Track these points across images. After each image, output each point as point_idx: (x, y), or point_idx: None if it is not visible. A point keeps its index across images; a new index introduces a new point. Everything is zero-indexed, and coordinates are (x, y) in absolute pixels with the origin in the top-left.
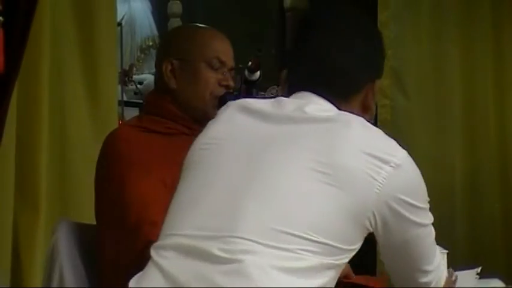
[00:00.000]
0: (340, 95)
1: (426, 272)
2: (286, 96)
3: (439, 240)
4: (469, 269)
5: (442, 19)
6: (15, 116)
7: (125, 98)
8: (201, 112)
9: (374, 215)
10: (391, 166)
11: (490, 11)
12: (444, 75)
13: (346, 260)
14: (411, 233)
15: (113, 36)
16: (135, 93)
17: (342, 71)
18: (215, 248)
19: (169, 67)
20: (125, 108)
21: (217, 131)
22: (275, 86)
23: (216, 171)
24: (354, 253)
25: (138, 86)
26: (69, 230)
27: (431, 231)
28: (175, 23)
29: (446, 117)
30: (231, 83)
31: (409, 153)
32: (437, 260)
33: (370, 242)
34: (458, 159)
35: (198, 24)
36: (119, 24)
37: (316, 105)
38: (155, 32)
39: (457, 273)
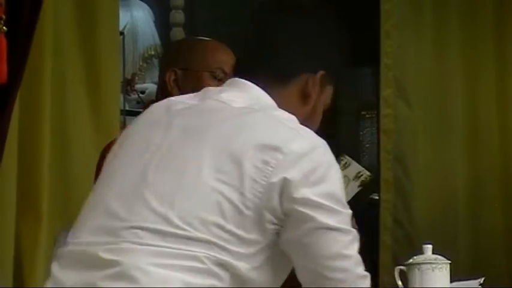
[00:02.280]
0: (278, 77)
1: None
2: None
3: (442, 250)
4: (472, 279)
5: (444, 29)
6: (17, 124)
7: (127, 107)
8: None
9: (270, 210)
10: (283, 153)
11: (492, 21)
12: (447, 84)
13: (245, 263)
14: (309, 231)
15: (115, 45)
16: (138, 103)
17: (282, 52)
18: (101, 251)
19: (173, 77)
20: (127, 117)
21: (128, 131)
22: None
23: (116, 171)
24: (252, 249)
25: (140, 95)
26: None
27: (341, 239)
28: (177, 32)
29: (448, 126)
30: None
31: (412, 161)
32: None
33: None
34: (461, 168)
35: (200, 36)
36: (121, 33)
37: (233, 95)
38: (157, 41)
39: (460, 283)
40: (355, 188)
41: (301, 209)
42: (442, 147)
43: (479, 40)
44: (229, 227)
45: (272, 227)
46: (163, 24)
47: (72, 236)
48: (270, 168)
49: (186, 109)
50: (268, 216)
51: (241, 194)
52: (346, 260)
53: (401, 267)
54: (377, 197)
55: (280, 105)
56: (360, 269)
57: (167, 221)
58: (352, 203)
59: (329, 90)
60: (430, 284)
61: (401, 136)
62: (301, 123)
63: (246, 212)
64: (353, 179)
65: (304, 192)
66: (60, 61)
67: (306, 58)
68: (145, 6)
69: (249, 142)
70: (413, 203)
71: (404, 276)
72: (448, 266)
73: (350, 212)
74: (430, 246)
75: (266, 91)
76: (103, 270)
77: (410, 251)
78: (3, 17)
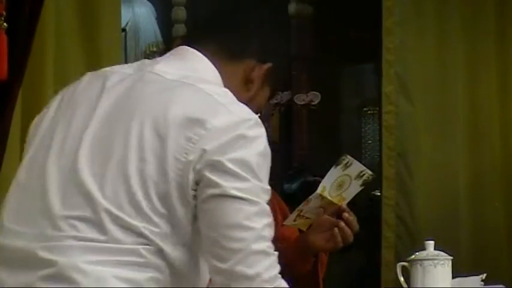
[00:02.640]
0: (227, 52)
1: (217, 268)
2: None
3: (444, 247)
4: (473, 275)
5: (446, 25)
6: (19, 123)
7: None
8: None
9: (192, 185)
10: (206, 129)
11: (494, 17)
12: (448, 81)
13: (173, 242)
14: (212, 198)
15: (118, 42)
16: None
17: (237, 30)
18: (38, 249)
19: None
20: None
21: (60, 103)
22: (279, 92)
23: (47, 149)
24: (180, 228)
25: None
26: None
27: (245, 209)
28: (179, 29)
29: (450, 123)
30: None
31: (414, 158)
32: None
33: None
34: (463, 165)
35: None
36: (123, 30)
37: (169, 65)
38: (159, 38)
39: (461, 279)
40: (357, 187)
41: (209, 174)
42: (444, 144)
43: (481, 37)
44: (157, 207)
45: (194, 201)
46: (165, 21)
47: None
48: (191, 145)
49: (120, 82)
50: (190, 192)
51: (165, 173)
52: (245, 232)
53: (404, 263)
54: (379, 194)
55: (224, 81)
56: (260, 245)
57: (100, 207)
58: (354, 199)
59: (267, 91)
60: (432, 279)
61: (403, 133)
62: None
63: (171, 191)
64: (355, 178)
65: (217, 157)
66: (62, 58)
67: (258, 45)
68: (147, 3)
69: (174, 118)
70: (415, 200)
71: (406, 272)
72: (450, 262)
73: (263, 185)
74: (432, 243)
75: (213, 63)
76: (40, 270)
77: (413, 248)
78: (4, 13)
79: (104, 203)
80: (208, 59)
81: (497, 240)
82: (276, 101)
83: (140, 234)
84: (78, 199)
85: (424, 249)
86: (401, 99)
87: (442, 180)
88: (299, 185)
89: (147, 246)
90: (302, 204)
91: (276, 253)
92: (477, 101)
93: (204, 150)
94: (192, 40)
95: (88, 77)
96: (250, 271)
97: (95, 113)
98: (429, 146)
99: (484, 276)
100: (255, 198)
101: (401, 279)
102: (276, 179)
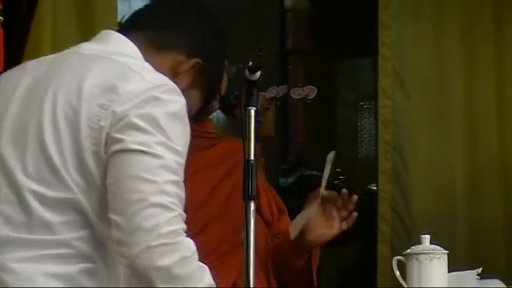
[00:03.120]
0: (155, 42)
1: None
2: None
3: (441, 241)
4: (469, 269)
5: (443, 20)
6: None
7: None
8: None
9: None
10: (118, 94)
11: (492, 11)
12: (445, 75)
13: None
14: (116, 153)
15: None
16: None
17: (168, 23)
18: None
19: None
20: None
21: None
22: (275, 86)
23: None
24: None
25: None
26: None
27: (146, 161)
28: None
29: (447, 118)
30: None
31: (410, 152)
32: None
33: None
34: (459, 159)
35: None
36: (119, 23)
37: (91, 45)
38: None
39: (457, 273)
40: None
41: (115, 133)
42: (441, 138)
43: (479, 31)
44: (74, 176)
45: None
46: None
47: None
48: (103, 111)
49: (39, 63)
50: (104, 156)
51: (79, 143)
52: (144, 184)
53: (399, 257)
54: (375, 188)
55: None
56: (160, 199)
57: (23, 188)
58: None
59: (196, 94)
60: (428, 273)
61: (399, 127)
62: None
63: (88, 159)
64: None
65: (125, 115)
66: (58, 52)
67: (190, 42)
68: None
69: (87, 88)
70: (411, 194)
71: (402, 266)
72: (446, 256)
73: (171, 144)
74: (427, 237)
75: (141, 51)
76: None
77: (409, 242)
78: (1, 7)
79: (27, 183)
80: (136, 46)
81: (494, 235)
82: (272, 95)
83: (65, 206)
84: (6, 190)
85: (420, 243)
86: (398, 93)
87: (439, 175)
88: (295, 179)
89: (76, 234)
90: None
91: (183, 213)
92: (474, 95)
93: (114, 112)
94: (123, 30)
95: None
96: (146, 223)
97: (14, 95)
98: (426, 140)
99: (480, 270)
100: (158, 153)
101: (397, 273)
102: (272, 173)
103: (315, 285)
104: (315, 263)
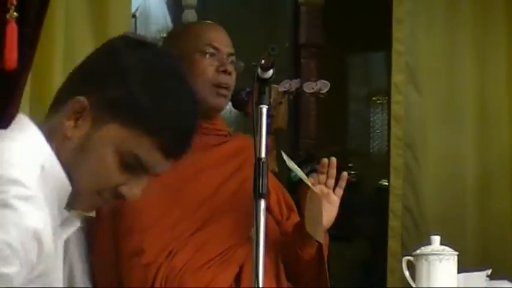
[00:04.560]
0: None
1: None
2: None
3: (450, 239)
4: (479, 270)
5: (456, 16)
6: (28, 110)
7: None
8: (203, 103)
9: None
10: None
11: (505, 7)
12: (458, 71)
13: None
14: None
15: (128, 28)
16: None
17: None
18: None
19: None
20: None
21: None
22: (288, 80)
23: None
24: None
25: None
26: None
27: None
28: (189, 14)
29: (459, 114)
30: (229, 68)
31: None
32: None
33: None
34: (471, 155)
35: (211, 19)
36: (133, 15)
37: None
38: (170, 23)
39: (467, 274)
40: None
41: None
42: (453, 135)
43: (491, 28)
44: None
45: None
46: (175, 6)
47: None
48: None
49: None
50: None
51: None
52: None
53: (409, 257)
54: (386, 184)
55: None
56: (12, 173)
57: None
58: (361, 189)
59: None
60: (437, 274)
61: (411, 123)
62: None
63: None
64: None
65: None
66: (72, 45)
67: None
68: None
69: None
70: (422, 190)
71: (411, 266)
72: (456, 257)
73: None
74: (437, 238)
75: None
76: None
77: (419, 238)
78: (15, 3)
79: None
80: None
81: (505, 234)
82: (284, 89)
83: None
84: None
85: (429, 243)
86: (411, 89)
87: (450, 171)
88: (305, 174)
89: None
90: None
91: None
92: (486, 92)
93: None
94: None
95: None
96: None
97: None
98: (437, 136)
99: (489, 271)
100: None
101: (407, 273)
102: (283, 167)
103: (328, 274)
104: (325, 250)
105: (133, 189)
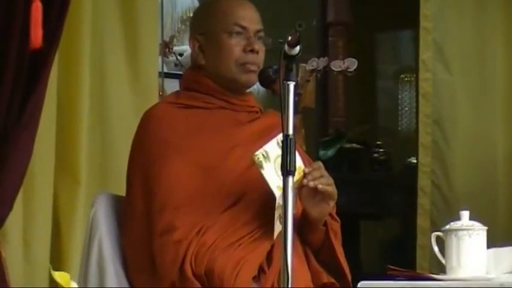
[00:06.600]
0: None
1: None
2: None
3: (480, 215)
4: (508, 246)
5: None
6: (55, 88)
7: (165, 70)
8: (230, 81)
9: None
10: None
11: None
12: (487, 48)
13: None
14: None
15: (154, 7)
16: (175, 65)
17: None
18: None
19: (197, 44)
20: (165, 79)
21: None
22: (315, 58)
23: None
24: None
25: (179, 57)
26: (108, 202)
27: None
28: None
29: (488, 91)
30: (256, 47)
31: (451, 126)
32: None
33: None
34: (500, 133)
35: None
36: None
37: None
38: (196, 3)
39: (496, 249)
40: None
41: None
42: (482, 112)
43: None
44: None
45: None
46: None
47: None
48: None
49: None
50: None
51: None
52: None
53: (438, 233)
54: (415, 161)
55: None
56: None
57: None
58: (389, 166)
59: None
60: (466, 249)
61: (440, 100)
62: None
63: None
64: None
65: None
66: (99, 24)
67: None
68: None
69: None
70: (451, 168)
71: (441, 241)
72: (485, 232)
73: None
74: (467, 212)
75: None
76: None
77: (448, 215)
78: None
79: None
80: None
81: None
82: (312, 67)
83: None
84: None
85: (459, 218)
86: (439, 66)
87: (479, 148)
88: (335, 152)
89: None
90: None
91: None
92: None
93: None
94: None
95: None
96: None
97: None
98: (466, 113)
99: None
100: None
101: (436, 248)
102: (311, 145)
103: (339, 258)
104: (336, 236)
105: None
